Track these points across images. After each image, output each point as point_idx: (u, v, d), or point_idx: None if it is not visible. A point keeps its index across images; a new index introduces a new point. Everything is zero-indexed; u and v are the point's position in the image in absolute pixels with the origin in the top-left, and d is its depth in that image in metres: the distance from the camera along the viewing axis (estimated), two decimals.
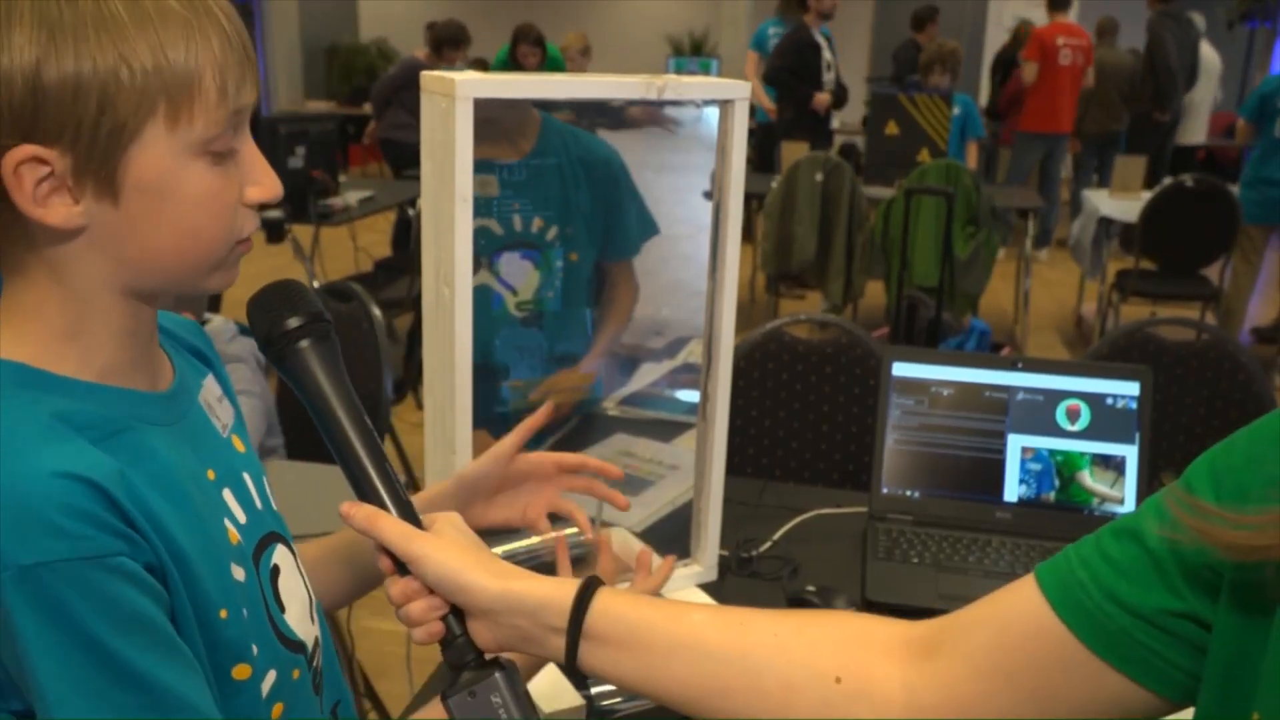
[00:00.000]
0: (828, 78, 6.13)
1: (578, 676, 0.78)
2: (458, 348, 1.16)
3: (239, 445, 0.85)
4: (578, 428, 1.37)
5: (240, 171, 0.73)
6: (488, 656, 0.77)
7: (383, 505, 0.78)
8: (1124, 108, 7.23)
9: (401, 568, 0.77)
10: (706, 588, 1.41)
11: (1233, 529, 0.58)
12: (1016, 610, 0.70)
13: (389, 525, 0.77)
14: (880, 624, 0.78)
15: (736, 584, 1.45)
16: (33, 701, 0.64)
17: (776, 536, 1.56)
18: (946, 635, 0.74)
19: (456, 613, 0.77)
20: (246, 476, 0.83)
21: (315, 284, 4.36)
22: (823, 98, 6.12)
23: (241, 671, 0.75)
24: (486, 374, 1.27)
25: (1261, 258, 4.97)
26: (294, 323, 0.76)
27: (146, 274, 0.71)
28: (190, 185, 0.69)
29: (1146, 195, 4.93)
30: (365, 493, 0.78)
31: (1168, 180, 4.88)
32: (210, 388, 0.85)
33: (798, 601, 1.36)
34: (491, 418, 1.29)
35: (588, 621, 0.76)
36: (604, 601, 0.76)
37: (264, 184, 0.74)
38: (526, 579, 0.77)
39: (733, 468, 1.52)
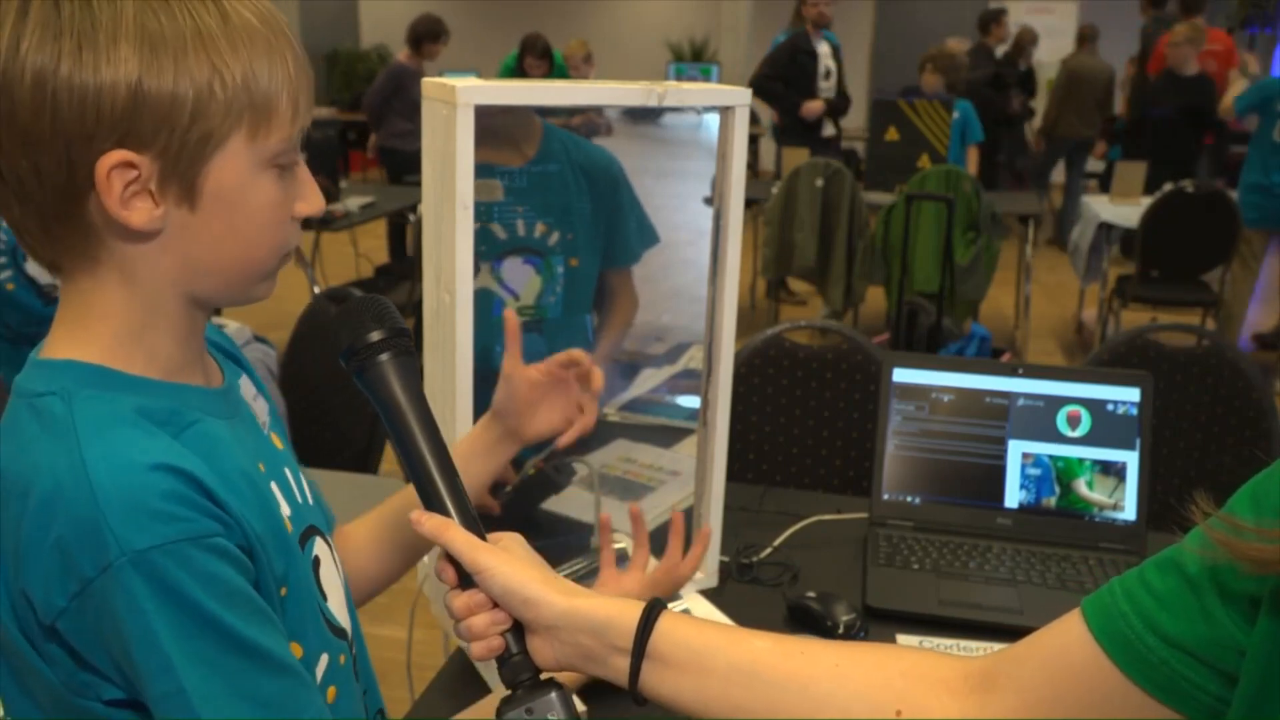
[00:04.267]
0: (825, 85, 6.10)
1: (636, 697, 0.78)
2: (458, 353, 1.16)
3: (277, 442, 0.88)
4: None
5: (293, 186, 0.76)
6: (543, 676, 0.78)
7: (451, 519, 0.79)
8: (1098, 114, 7.27)
9: (464, 582, 0.78)
10: (707, 594, 1.41)
11: (1262, 543, 0.60)
12: (1063, 643, 0.72)
13: (458, 535, 0.78)
14: (937, 658, 0.79)
15: (737, 590, 1.45)
16: (144, 683, 0.67)
17: (777, 543, 1.56)
18: (1000, 669, 0.75)
19: (516, 630, 0.78)
20: (287, 471, 0.86)
21: (316, 289, 4.36)
22: (812, 105, 6.09)
23: (295, 651, 0.77)
24: (487, 378, 1.27)
25: (1260, 263, 4.97)
26: (376, 336, 0.79)
27: (208, 278, 0.75)
28: (259, 195, 0.73)
29: (1147, 201, 4.94)
30: (434, 506, 0.80)
31: (1168, 186, 4.88)
32: (246, 387, 0.88)
33: (798, 608, 1.36)
34: None
35: (651, 642, 0.77)
36: (668, 624, 0.78)
37: (310, 200, 0.78)
38: (593, 597, 0.79)
39: (733, 474, 1.52)
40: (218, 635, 0.67)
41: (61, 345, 0.74)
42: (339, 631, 0.85)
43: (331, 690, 0.82)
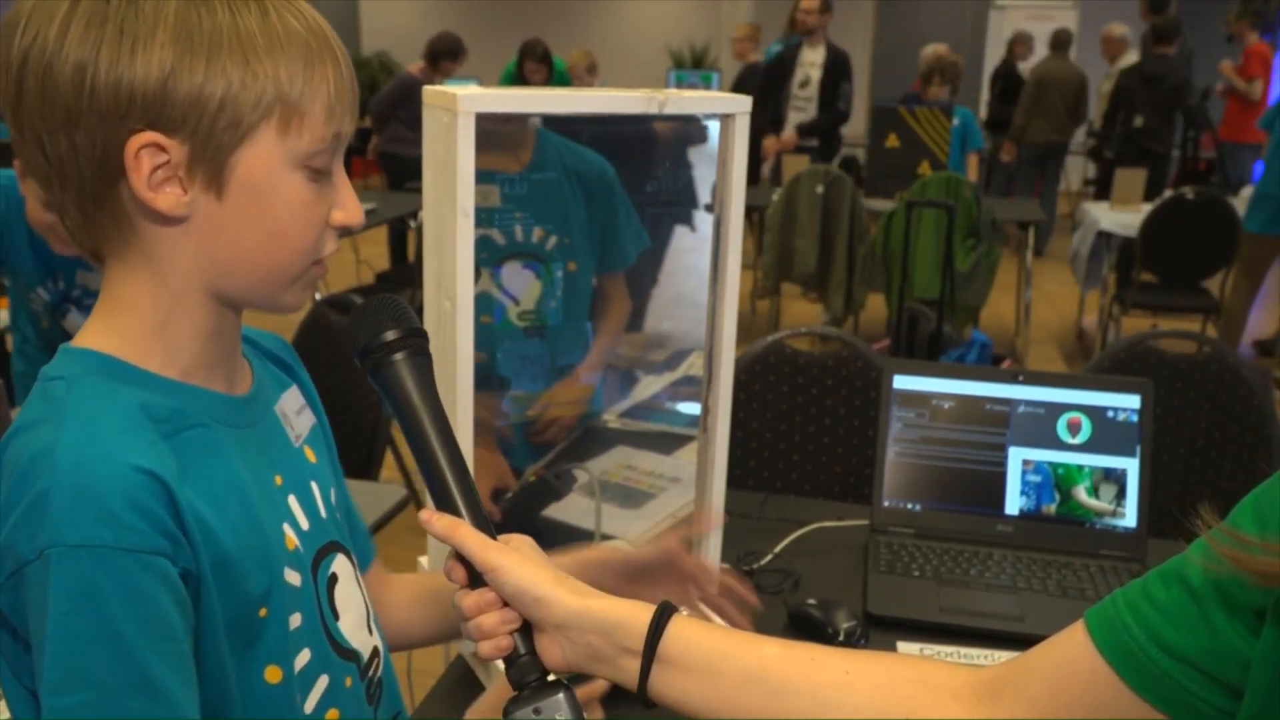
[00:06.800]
0: (801, 94, 6.00)
1: (645, 700, 0.79)
2: (459, 360, 1.16)
3: (311, 455, 0.88)
4: (579, 440, 1.37)
5: (330, 193, 0.77)
6: (551, 677, 0.78)
7: (460, 517, 0.79)
8: (1069, 120, 7.27)
9: (474, 581, 0.78)
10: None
11: (1267, 557, 0.60)
12: (1068, 655, 0.72)
13: (469, 534, 0.78)
14: (945, 668, 0.79)
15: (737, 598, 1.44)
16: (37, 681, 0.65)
17: (778, 550, 1.56)
18: (1007, 679, 0.76)
19: (525, 630, 0.78)
20: (314, 485, 0.85)
21: (317, 296, 4.36)
22: (769, 144, 5.98)
23: (273, 674, 0.76)
24: (488, 383, 1.27)
25: (1265, 270, 4.95)
26: (391, 335, 0.79)
27: (232, 274, 0.75)
28: (288, 192, 0.73)
29: (1147, 208, 4.94)
30: (444, 505, 0.79)
31: (1168, 193, 4.88)
32: (290, 399, 0.88)
33: (799, 615, 1.36)
34: (493, 429, 1.30)
35: (662, 645, 0.77)
36: (679, 627, 0.77)
37: (348, 209, 0.78)
38: (604, 598, 0.79)
39: (733, 480, 1.52)
40: (119, 657, 0.65)
41: (88, 335, 0.75)
42: (349, 654, 0.84)
43: (333, 713, 0.81)
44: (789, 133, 5.99)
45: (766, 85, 6.07)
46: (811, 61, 5.96)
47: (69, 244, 0.77)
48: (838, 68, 5.95)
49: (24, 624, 0.67)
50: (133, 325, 0.74)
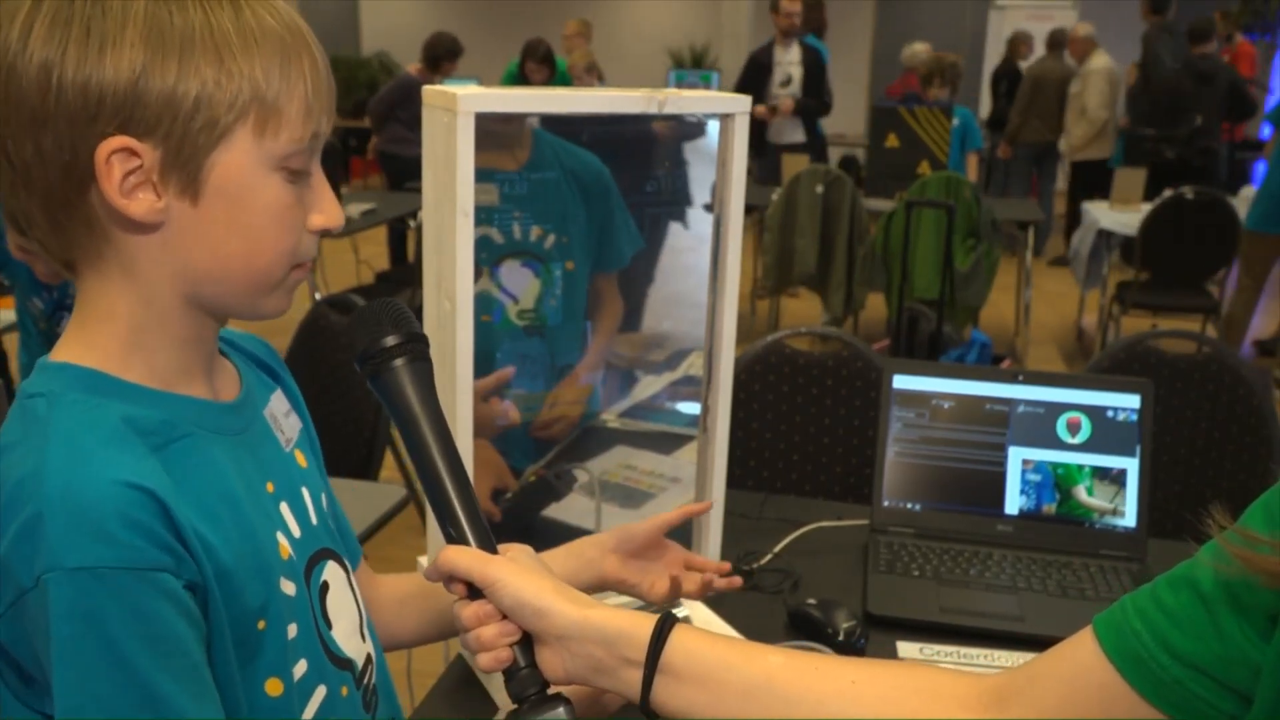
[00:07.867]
0: (783, 92, 6.02)
1: (648, 711, 0.78)
2: (459, 360, 1.16)
3: (301, 460, 0.86)
4: (579, 440, 1.37)
5: (309, 196, 0.75)
6: (551, 690, 0.77)
7: (460, 527, 0.78)
8: (1062, 119, 7.30)
9: (474, 592, 0.77)
10: (707, 601, 1.41)
11: (1276, 555, 0.60)
12: (1076, 661, 0.72)
13: (461, 555, 0.77)
14: (952, 676, 0.79)
15: (737, 598, 1.44)
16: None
17: (777, 549, 1.56)
18: (1015, 687, 0.75)
19: (525, 643, 0.77)
20: (305, 491, 0.84)
21: (317, 296, 4.36)
22: (758, 109, 6.05)
23: (274, 687, 0.75)
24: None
25: (1267, 269, 4.94)
26: (391, 340, 0.78)
27: (209, 281, 0.73)
28: (266, 196, 0.71)
29: (1146, 207, 4.93)
30: (443, 514, 0.78)
31: (1167, 192, 4.88)
32: (277, 402, 0.86)
33: (799, 615, 1.36)
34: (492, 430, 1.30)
35: (665, 656, 0.76)
36: (681, 637, 0.77)
37: (327, 212, 0.76)
38: (605, 609, 0.78)
39: (733, 480, 1.52)
40: (126, 679, 0.63)
41: (66, 349, 0.73)
42: (343, 662, 0.83)
43: None
44: (786, 100, 6.02)
45: (745, 88, 6.10)
46: (790, 61, 6.03)
47: (52, 274, 0.76)
48: (818, 64, 6.03)
49: (27, 655, 0.66)
50: (110, 336, 0.72)
